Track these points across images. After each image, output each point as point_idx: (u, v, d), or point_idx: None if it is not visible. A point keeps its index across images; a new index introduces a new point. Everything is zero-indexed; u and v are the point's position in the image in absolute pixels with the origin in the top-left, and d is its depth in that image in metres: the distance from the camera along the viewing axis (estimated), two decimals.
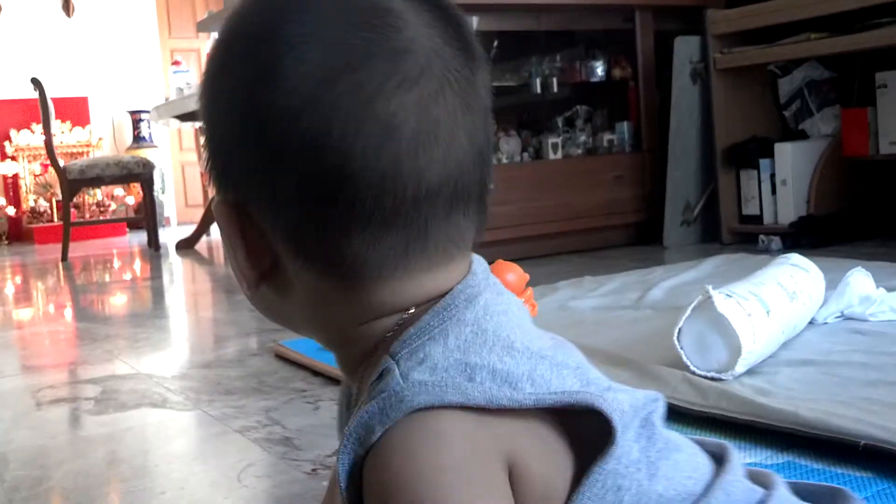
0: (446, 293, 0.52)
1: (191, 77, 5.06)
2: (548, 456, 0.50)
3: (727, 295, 1.35)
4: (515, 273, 1.34)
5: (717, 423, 1.20)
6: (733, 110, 3.47)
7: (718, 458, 0.59)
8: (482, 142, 0.52)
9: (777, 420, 1.12)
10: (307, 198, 0.48)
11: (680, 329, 1.35)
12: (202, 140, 0.55)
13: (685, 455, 0.56)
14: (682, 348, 1.34)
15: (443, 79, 0.49)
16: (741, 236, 3.40)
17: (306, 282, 0.51)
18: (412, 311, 0.51)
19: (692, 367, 1.33)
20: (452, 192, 0.51)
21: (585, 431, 0.51)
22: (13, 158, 7.16)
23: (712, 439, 0.62)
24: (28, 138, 7.14)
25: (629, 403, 0.53)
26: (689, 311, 1.35)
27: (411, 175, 0.48)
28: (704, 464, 0.57)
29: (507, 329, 0.52)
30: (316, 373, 1.73)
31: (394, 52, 0.48)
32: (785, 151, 3.28)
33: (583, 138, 3.74)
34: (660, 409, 0.56)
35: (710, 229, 3.54)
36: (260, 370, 1.84)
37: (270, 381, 1.73)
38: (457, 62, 0.51)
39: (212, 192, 0.54)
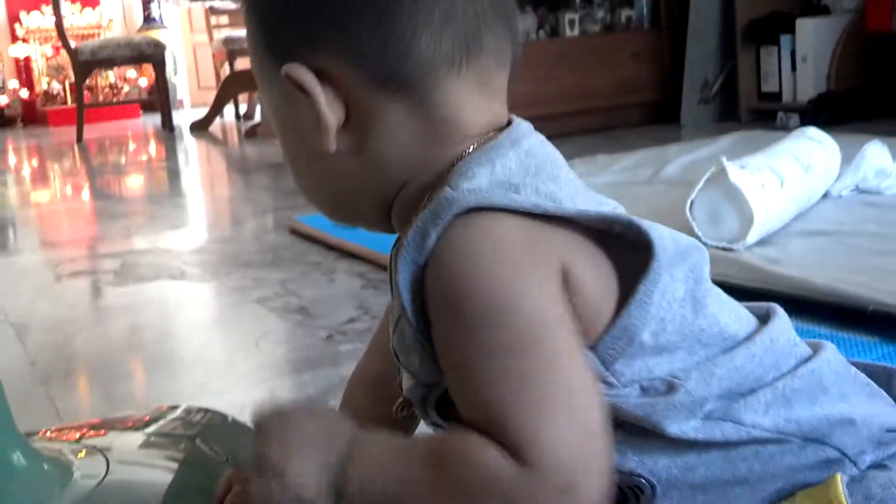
0: (500, 130, 0.55)
1: None
2: (598, 272, 0.51)
3: (741, 166, 1.35)
4: None
5: (729, 291, 1.21)
6: None
7: (764, 318, 0.59)
8: None
9: (787, 287, 1.13)
10: (383, 21, 0.51)
11: (692, 201, 1.35)
12: (253, 21, 0.57)
13: (731, 304, 0.57)
14: (693, 219, 1.34)
15: None
16: (759, 114, 3.36)
17: (383, 116, 0.53)
18: (470, 150, 0.54)
19: (703, 238, 1.33)
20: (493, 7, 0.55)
21: (629, 263, 0.52)
22: (24, 41, 7.08)
23: (760, 303, 0.61)
24: (38, 20, 7.04)
25: (672, 240, 0.53)
26: (702, 183, 1.35)
27: None
28: (748, 315, 0.58)
29: (552, 165, 0.55)
30: (330, 247, 1.75)
31: None
32: (806, 27, 3.20)
33: (600, 14, 3.66)
34: (706, 259, 0.56)
35: (728, 107, 3.49)
36: (276, 245, 1.86)
37: (286, 255, 1.75)
38: None
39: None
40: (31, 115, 7.12)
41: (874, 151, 1.70)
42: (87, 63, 4.95)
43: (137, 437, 0.80)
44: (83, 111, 5.03)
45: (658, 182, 1.97)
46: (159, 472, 0.72)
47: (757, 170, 1.36)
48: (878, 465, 0.54)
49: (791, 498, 0.53)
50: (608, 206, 0.56)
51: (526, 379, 0.46)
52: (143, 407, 0.98)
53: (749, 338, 0.55)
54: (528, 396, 0.46)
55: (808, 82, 3.21)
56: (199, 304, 1.52)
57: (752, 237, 1.32)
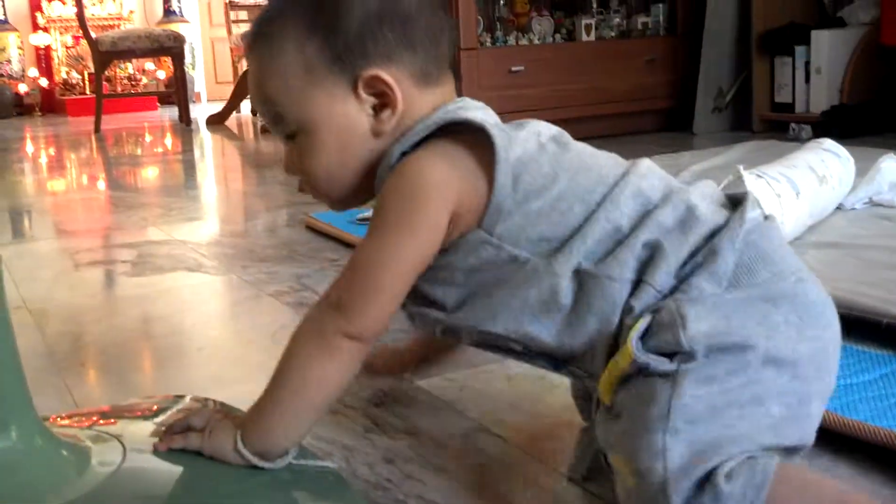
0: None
1: None
2: (473, 179, 0.72)
3: (757, 175, 1.36)
4: None
5: None
6: None
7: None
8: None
9: None
10: (416, 49, 0.76)
11: None
12: (316, 40, 0.75)
13: (598, 157, 0.77)
14: None
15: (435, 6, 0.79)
16: (772, 124, 3.37)
17: (403, 95, 0.75)
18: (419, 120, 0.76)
19: None
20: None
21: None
22: (45, 30, 7.13)
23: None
24: (60, 9, 7.09)
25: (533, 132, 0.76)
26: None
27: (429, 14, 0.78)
28: (615, 166, 0.76)
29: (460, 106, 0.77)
30: (346, 244, 1.77)
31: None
32: (821, 38, 3.21)
33: (616, 20, 3.67)
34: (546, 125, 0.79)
35: (741, 117, 3.50)
36: (291, 240, 1.88)
37: (302, 251, 1.77)
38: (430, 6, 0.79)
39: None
40: (49, 103, 7.17)
41: (889, 166, 1.71)
42: (106, 54, 4.98)
43: (148, 426, 0.82)
44: (101, 101, 5.06)
45: None
46: (171, 461, 0.74)
47: (773, 179, 1.37)
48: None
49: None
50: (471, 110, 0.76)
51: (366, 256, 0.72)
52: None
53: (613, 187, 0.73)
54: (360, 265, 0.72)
55: (821, 94, 3.22)
56: (216, 297, 1.54)
57: None
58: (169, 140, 4.76)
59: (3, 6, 7.06)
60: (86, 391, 1.10)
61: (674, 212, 0.71)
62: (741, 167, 1.36)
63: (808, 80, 3.26)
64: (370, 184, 0.77)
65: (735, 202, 0.74)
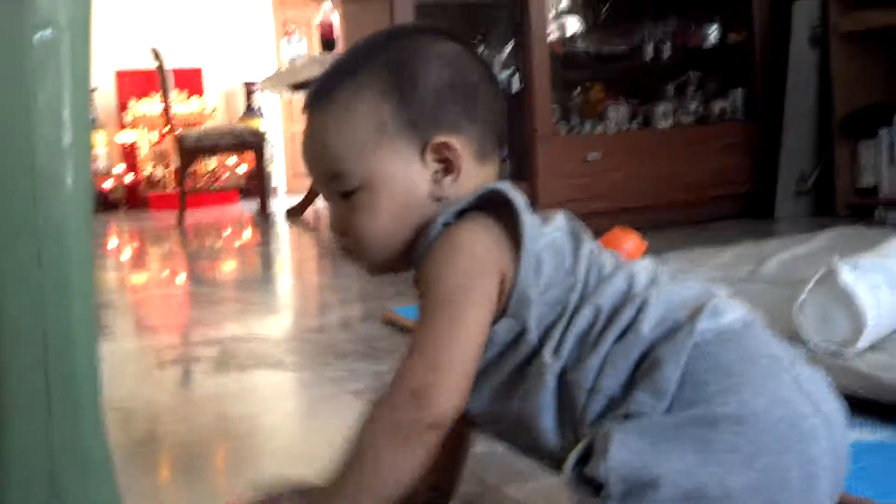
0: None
1: (302, 47, 5.14)
2: (503, 253, 0.74)
3: (852, 267, 1.31)
4: (633, 241, 1.32)
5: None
6: (853, 76, 3.34)
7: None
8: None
9: None
10: (485, 119, 0.80)
11: (802, 302, 1.31)
12: (391, 104, 0.77)
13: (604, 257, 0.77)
14: (801, 322, 1.30)
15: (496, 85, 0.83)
16: (856, 209, 3.28)
17: (462, 166, 0.77)
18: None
19: (812, 343, 1.29)
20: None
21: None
22: (132, 127, 7.41)
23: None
24: (146, 107, 7.37)
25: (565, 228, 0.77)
26: (811, 284, 1.31)
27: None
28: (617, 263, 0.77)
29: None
30: None
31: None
32: None
33: (694, 106, 3.65)
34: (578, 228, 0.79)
35: (824, 201, 3.43)
36: (369, 335, 1.87)
37: (381, 346, 1.76)
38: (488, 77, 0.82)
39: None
40: (133, 199, 7.40)
41: None
42: (191, 150, 5.15)
43: None
44: (185, 197, 5.21)
45: (758, 280, 1.92)
46: None
47: (869, 271, 1.32)
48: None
49: None
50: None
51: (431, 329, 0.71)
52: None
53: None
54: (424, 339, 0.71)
55: None
56: (296, 395, 1.53)
57: (863, 342, 1.27)
58: (248, 233, 4.86)
59: (94, 106, 7.38)
60: (169, 494, 1.08)
61: (631, 312, 0.71)
62: (836, 258, 1.31)
63: (892, 162, 3.19)
64: (410, 253, 0.77)
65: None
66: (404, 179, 0.76)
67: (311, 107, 0.80)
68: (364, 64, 0.78)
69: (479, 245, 0.73)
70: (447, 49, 0.80)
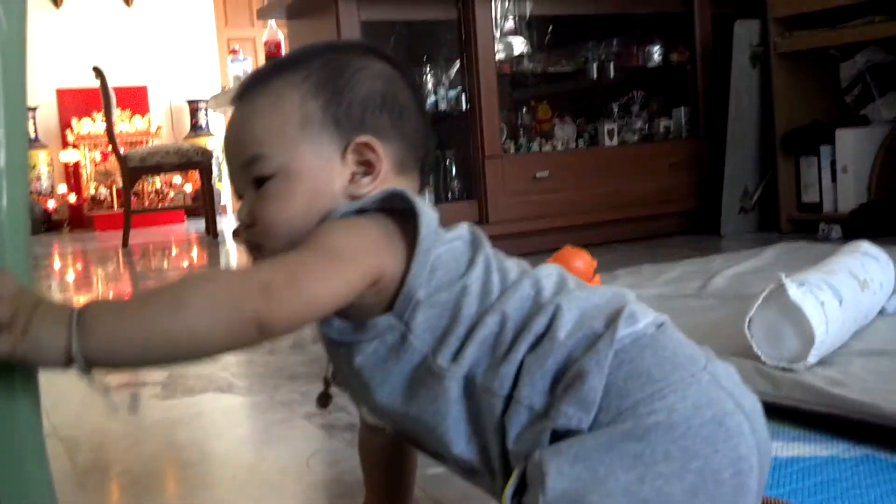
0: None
1: (247, 66, 5.09)
2: (395, 254, 0.73)
3: (800, 284, 1.33)
4: (584, 259, 1.33)
5: (790, 413, 1.19)
6: (793, 95, 3.41)
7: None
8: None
9: (856, 412, 1.10)
10: (409, 137, 0.81)
11: (751, 318, 1.33)
12: (321, 102, 0.78)
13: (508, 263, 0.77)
14: (752, 337, 1.32)
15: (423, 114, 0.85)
16: (800, 224, 3.34)
17: (383, 172, 0.78)
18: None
19: (763, 358, 1.31)
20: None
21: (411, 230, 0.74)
22: (74, 146, 7.29)
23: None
24: (89, 126, 7.26)
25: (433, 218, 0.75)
26: (760, 300, 1.33)
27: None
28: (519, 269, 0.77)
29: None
30: None
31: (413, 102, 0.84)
32: (846, 137, 3.21)
33: (639, 124, 3.70)
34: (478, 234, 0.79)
35: (768, 217, 3.49)
36: (321, 357, 1.84)
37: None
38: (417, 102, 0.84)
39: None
40: (78, 219, 7.27)
41: None
42: (135, 169, 5.08)
43: None
44: (130, 217, 5.12)
45: (707, 295, 1.95)
46: None
47: (816, 287, 1.34)
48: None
49: None
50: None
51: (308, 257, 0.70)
52: None
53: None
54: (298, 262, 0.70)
55: (849, 193, 3.20)
56: (248, 420, 1.50)
57: (812, 357, 1.29)
58: (195, 253, 4.79)
59: (35, 124, 7.24)
60: None
61: (544, 319, 0.70)
62: (783, 275, 1.33)
63: (834, 179, 3.26)
64: None
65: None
66: (321, 173, 0.77)
67: (240, 98, 0.80)
68: (300, 63, 0.80)
69: (369, 232, 0.73)
70: (383, 67, 0.82)
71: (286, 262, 0.69)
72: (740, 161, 3.48)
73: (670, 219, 3.61)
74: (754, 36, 3.46)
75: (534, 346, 0.69)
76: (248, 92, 0.80)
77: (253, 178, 0.77)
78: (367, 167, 0.77)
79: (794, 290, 1.31)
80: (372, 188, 0.77)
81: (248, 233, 0.78)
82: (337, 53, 0.81)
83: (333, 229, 0.73)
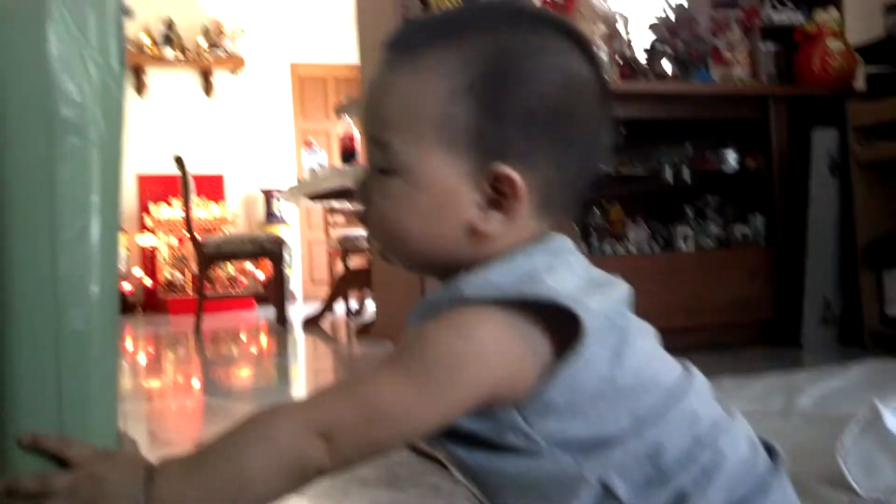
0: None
1: (322, 158, 5.21)
2: (533, 358, 0.65)
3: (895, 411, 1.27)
4: None
5: None
6: (874, 205, 3.34)
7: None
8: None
9: None
10: (582, 168, 0.71)
11: (845, 445, 1.27)
12: (471, 119, 0.67)
13: (662, 364, 0.72)
14: (846, 467, 1.26)
15: (602, 117, 0.71)
16: (883, 338, 3.23)
17: (520, 210, 0.67)
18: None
19: (858, 489, 1.24)
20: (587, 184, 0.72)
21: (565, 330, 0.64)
22: (151, 231, 7.49)
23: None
24: (166, 212, 7.46)
25: (602, 315, 0.66)
26: (855, 428, 1.27)
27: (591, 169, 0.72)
28: (674, 364, 0.73)
29: (562, 261, 0.70)
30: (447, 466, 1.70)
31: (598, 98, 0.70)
32: None
33: (714, 230, 3.66)
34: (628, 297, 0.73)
35: (850, 330, 3.38)
36: (391, 461, 1.82)
37: (403, 474, 1.71)
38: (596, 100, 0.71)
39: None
40: (151, 302, 7.41)
41: None
42: (211, 256, 5.17)
43: None
44: (203, 303, 5.20)
45: (793, 415, 1.88)
46: None
47: None
48: None
49: None
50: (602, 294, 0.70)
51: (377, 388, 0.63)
52: None
53: (681, 395, 0.69)
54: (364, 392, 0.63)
55: None
56: None
57: None
58: (265, 341, 4.83)
59: None
60: None
61: (709, 455, 0.66)
62: (878, 403, 1.28)
63: None
64: (422, 264, 0.72)
65: (769, 450, 0.70)
66: (447, 191, 0.66)
67: (391, 47, 0.69)
68: (465, 32, 0.67)
69: (492, 343, 0.63)
70: (566, 61, 0.67)
71: (363, 394, 0.62)
72: (820, 271, 3.40)
73: (746, 328, 3.52)
74: (833, 144, 3.42)
75: (699, 480, 0.65)
76: (399, 47, 0.69)
77: (376, 160, 0.69)
78: (503, 201, 0.66)
79: (890, 420, 1.25)
80: (503, 228, 0.67)
81: (364, 213, 0.72)
82: (515, 32, 0.67)
83: (446, 335, 0.62)
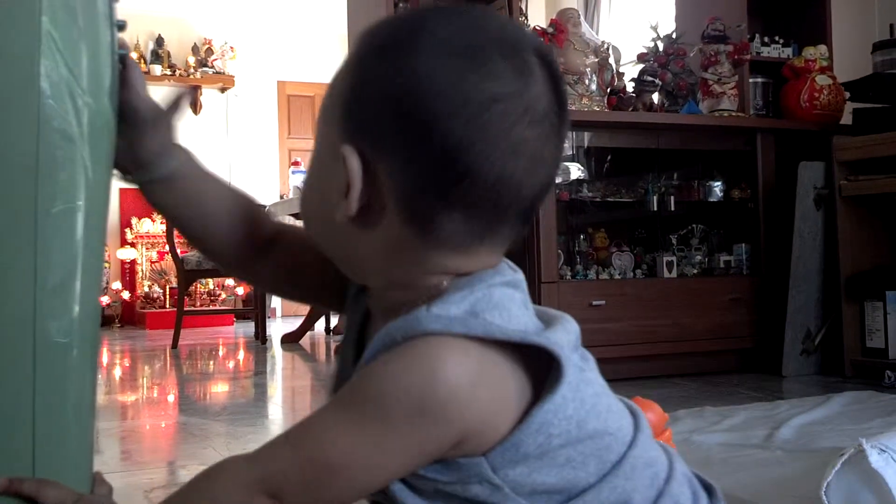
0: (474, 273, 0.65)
1: None
2: (504, 400, 0.61)
3: (881, 449, 1.26)
4: (654, 413, 1.28)
5: None
6: (858, 238, 3.35)
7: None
8: (554, 177, 0.66)
9: None
10: (439, 177, 0.59)
11: (829, 482, 1.25)
12: (339, 101, 0.63)
13: (613, 401, 0.68)
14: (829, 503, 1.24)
15: (551, 127, 0.62)
16: (864, 369, 3.23)
17: (393, 230, 0.62)
18: (449, 278, 0.64)
19: None
20: (530, 206, 0.64)
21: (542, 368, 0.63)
22: (132, 245, 7.43)
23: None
24: (148, 226, 7.41)
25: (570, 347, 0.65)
26: (839, 465, 1.25)
27: (515, 186, 0.61)
28: (625, 412, 0.69)
29: (509, 302, 0.64)
30: None
31: (529, 97, 0.61)
32: None
33: (698, 258, 3.66)
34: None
35: (831, 360, 3.39)
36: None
37: None
38: (558, 118, 0.63)
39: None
40: (129, 315, 7.34)
41: None
42: (192, 272, 5.13)
43: None
44: (182, 318, 5.15)
45: (774, 447, 1.86)
46: None
47: None
48: None
49: None
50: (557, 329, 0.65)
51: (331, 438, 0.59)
52: None
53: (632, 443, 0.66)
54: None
55: None
56: None
57: None
58: (243, 357, 4.79)
59: None
60: None
61: (681, 489, 0.66)
62: (863, 440, 1.26)
63: None
64: (344, 271, 0.69)
65: (707, 488, 0.70)
66: (323, 169, 0.66)
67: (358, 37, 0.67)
68: (401, 28, 0.65)
69: (459, 383, 0.57)
70: (468, 21, 0.63)
71: (309, 448, 0.58)
72: (803, 302, 3.40)
73: (728, 355, 3.52)
74: (819, 178, 3.44)
75: None
76: (359, 37, 0.67)
77: None
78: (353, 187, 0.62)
79: (875, 457, 1.24)
80: (353, 228, 0.63)
81: None
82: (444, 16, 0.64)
83: (385, 389, 0.57)
